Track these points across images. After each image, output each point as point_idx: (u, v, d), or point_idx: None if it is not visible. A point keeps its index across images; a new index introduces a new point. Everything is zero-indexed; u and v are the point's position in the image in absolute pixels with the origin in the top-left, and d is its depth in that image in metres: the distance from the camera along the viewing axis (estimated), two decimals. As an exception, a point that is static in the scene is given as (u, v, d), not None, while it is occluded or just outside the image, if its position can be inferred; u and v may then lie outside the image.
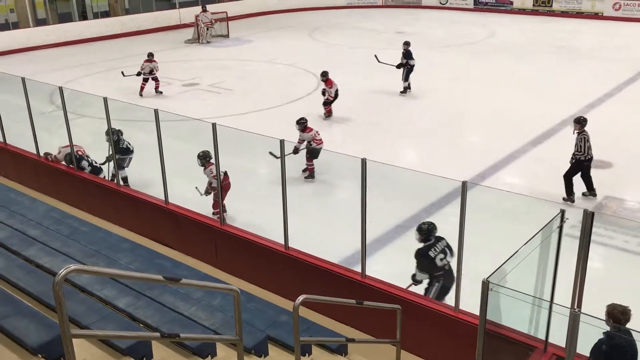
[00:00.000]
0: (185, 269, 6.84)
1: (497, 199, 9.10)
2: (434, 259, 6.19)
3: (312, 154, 10.33)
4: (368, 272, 6.66)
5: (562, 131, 12.77)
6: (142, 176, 10.00)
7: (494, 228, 8.64)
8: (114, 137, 9.46)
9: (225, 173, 8.60)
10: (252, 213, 9.08)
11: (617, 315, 4.46)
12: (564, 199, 9.37)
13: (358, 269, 6.73)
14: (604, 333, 4.45)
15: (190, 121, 10.11)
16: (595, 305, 4.70)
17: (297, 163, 10.27)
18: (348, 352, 5.82)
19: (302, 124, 10.46)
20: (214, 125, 7.35)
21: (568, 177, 9.45)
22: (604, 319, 4.53)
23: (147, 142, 10.20)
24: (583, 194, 9.51)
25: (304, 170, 10.45)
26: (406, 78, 15.76)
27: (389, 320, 5.80)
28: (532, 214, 8.60)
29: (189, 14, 26.32)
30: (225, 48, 23.24)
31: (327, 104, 13.76)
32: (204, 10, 24.19)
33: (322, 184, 10.35)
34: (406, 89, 15.84)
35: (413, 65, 15.66)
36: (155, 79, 16.37)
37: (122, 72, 16.49)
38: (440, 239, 6.32)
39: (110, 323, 4.55)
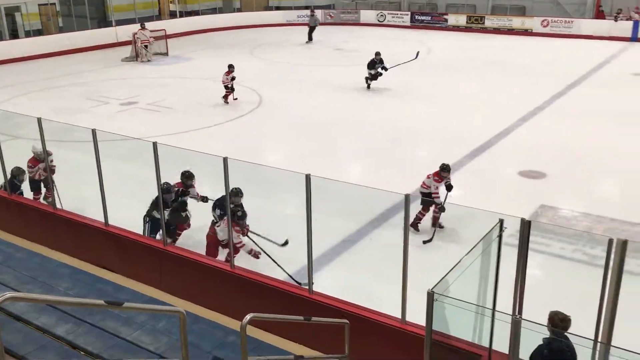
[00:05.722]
0: (129, 292, 6.65)
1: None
2: None
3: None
4: (315, 288, 6.66)
5: (497, 144, 13.25)
6: (81, 198, 9.69)
7: (437, 238, 8.83)
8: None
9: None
10: (196, 232, 8.95)
11: (557, 322, 4.63)
12: None
13: (305, 285, 6.72)
14: (544, 339, 4.60)
15: (130, 141, 9.90)
16: (536, 312, 4.86)
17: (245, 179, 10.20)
18: (297, 370, 5.79)
19: None
20: (154, 144, 7.22)
21: None
22: (546, 324, 4.69)
23: (85, 163, 9.92)
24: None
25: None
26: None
27: (337, 335, 5.80)
28: (473, 224, 8.84)
29: (126, 32, 25.87)
30: (164, 66, 22.94)
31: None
32: (142, 28, 23.84)
33: (266, 200, 10.30)
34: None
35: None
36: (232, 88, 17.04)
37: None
38: None
39: (48, 352, 4.37)
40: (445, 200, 8.95)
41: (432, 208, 9.13)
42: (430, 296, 4.28)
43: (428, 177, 9.25)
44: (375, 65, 17.73)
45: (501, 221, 5.31)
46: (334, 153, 12.94)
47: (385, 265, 7.55)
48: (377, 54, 17.81)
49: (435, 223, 9.11)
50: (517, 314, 5.11)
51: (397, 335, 5.89)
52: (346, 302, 6.46)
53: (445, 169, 9.12)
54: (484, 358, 5.39)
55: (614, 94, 17.33)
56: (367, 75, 17.95)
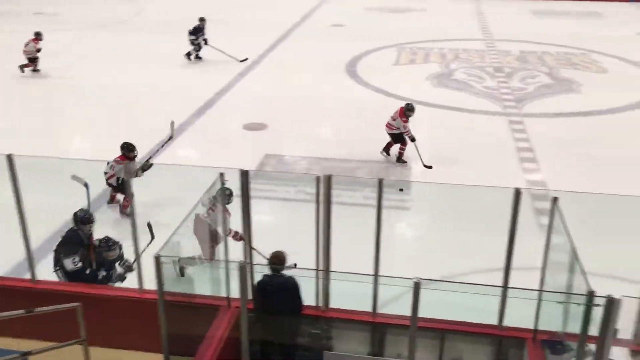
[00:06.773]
0: None
1: (173, 174, 9.19)
2: None
3: None
4: (42, 277, 6.11)
5: (220, 100, 13.55)
6: None
7: (169, 202, 8.71)
8: None
9: None
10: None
11: (274, 259, 5.08)
12: None
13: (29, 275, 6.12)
14: (263, 275, 4.98)
15: None
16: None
17: None
18: (31, 367, 5.29)
19: None
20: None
21: None
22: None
23: None
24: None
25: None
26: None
27: (71, 321, 5.43)
28: (204, 182, 8.95)
29: None
30: None
31: None
32: None
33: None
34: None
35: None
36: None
37: None
38: None
39: None
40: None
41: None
42: (157, 260, 4.24)
43: (394, 119, 10.11)
44: (198, 34, 16.35)
45: (222, 174, 5.48)
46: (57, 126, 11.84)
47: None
48: (202, 19, 16.42)
49: (400, 158, 10.30)
50: (246, 259, 5.36)
51: (135, 305, 5.75)
52: (77, 284, 6.07)
53: (410, 109, 10.05)
54: (224, 307, 5.58)
55: (318, 44, 18.85)
56: (191, 45, 16.47)
